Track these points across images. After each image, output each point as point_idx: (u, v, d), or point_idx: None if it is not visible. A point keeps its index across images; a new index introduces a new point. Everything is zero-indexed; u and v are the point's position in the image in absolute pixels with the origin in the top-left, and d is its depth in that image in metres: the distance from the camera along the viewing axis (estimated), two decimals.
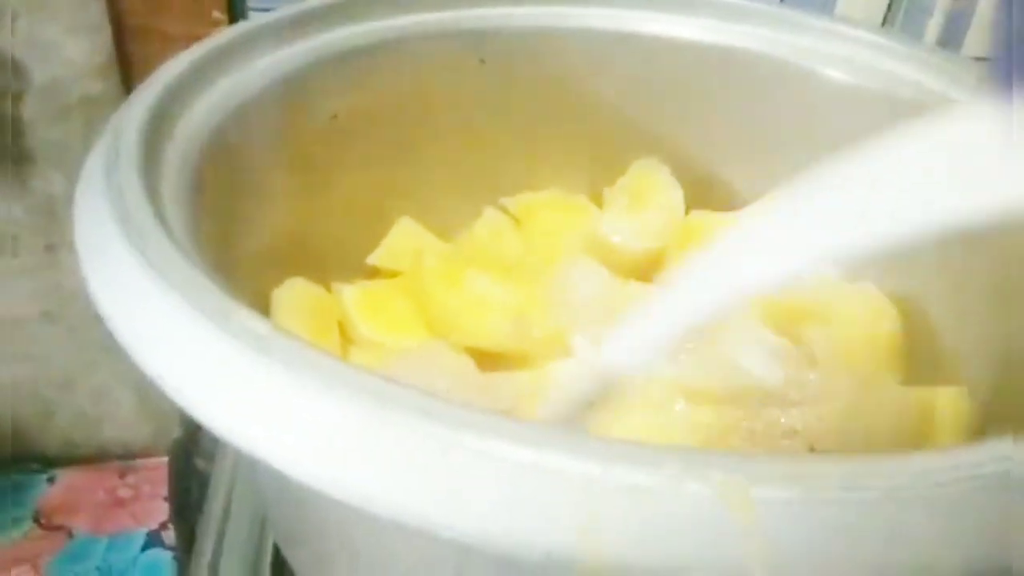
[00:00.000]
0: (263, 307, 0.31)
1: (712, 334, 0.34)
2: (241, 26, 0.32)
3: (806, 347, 0.34)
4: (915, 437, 0.31)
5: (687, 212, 0.40)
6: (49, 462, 0.65)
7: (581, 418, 0.26)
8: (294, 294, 0.32)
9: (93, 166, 0.23)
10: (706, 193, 0.41)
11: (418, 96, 0.37)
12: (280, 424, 0.16)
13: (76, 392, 0.62)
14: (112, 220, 0.20)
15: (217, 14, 0.51)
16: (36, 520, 0.61)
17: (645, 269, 0.39)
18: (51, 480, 0.65)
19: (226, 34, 0.31)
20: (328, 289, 0.34)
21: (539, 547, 0.14)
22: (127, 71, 0.52)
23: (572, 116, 0.40)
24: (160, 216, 0.21)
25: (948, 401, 0.32)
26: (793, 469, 0.15)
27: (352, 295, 0.34)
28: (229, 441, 0.16)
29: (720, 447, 0.30)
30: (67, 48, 0.49)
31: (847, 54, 0.37)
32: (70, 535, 0.60)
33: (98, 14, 0.50)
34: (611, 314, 0.36)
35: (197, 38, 0.52)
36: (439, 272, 0.35)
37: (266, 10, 0.52)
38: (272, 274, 0.32)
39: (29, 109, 0.50)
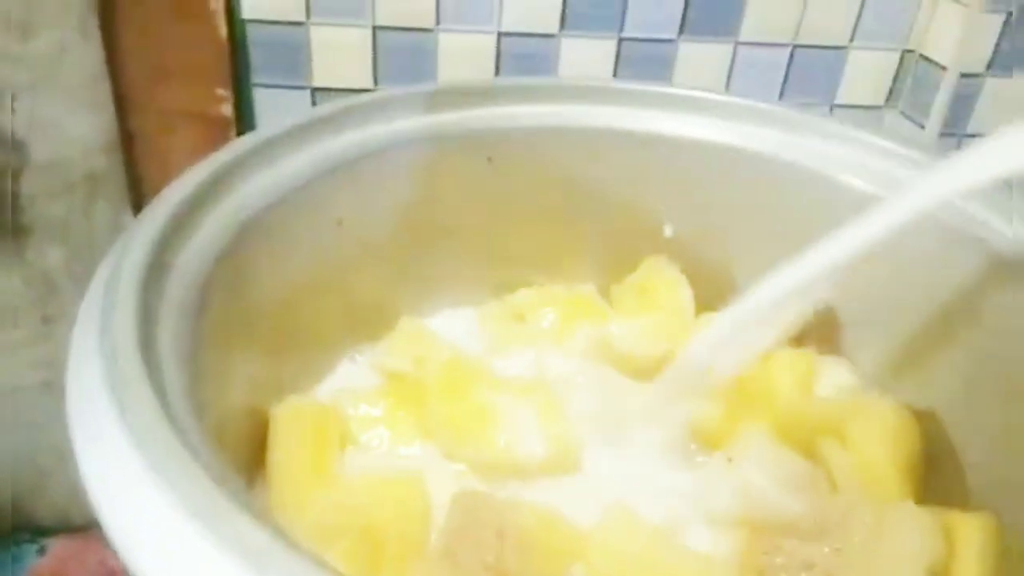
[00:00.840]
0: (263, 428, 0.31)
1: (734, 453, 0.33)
2: (246, 140, 0.31)
3: (824, 467, 0.33)
4: (937, 565, 0.30)
5: (697, 313, 0.39)
6: (42, 532, 0.64)
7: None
8: (291, 411, 0.31)
9: (88, 315, 0.22)
10: (716, 293, 0.40)
11: (424, 196, 0.37)
12: None
13: (71, 461, 0.61)
14: (105, 393, 0.19)
15: (221, 91, 0.51)
16: None
17: (653, 369, 0.38)
18: (41, 551, 0.63)
19: (231, 149, 0.30)
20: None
21: None
22: (130, 147, 0.52)
23: (580, 213, 0.40)
24: (156, 380, 0.20)
25: (972, 528, 0.31)
26: None
27: (350, 403, 0.33)
28: None
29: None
30: (69, 126, 0.49)
31: (859, 160, 0.36)
32: None
33: (103, 92, 0.49)
34: (621, 423, 0.35)
35: (201, 115, 0.52)
36: (441, 382, 0.34)
37: (270, 86, 0.53)
38: (276, 393, 0.31)
39: (28, 185, 0.50)
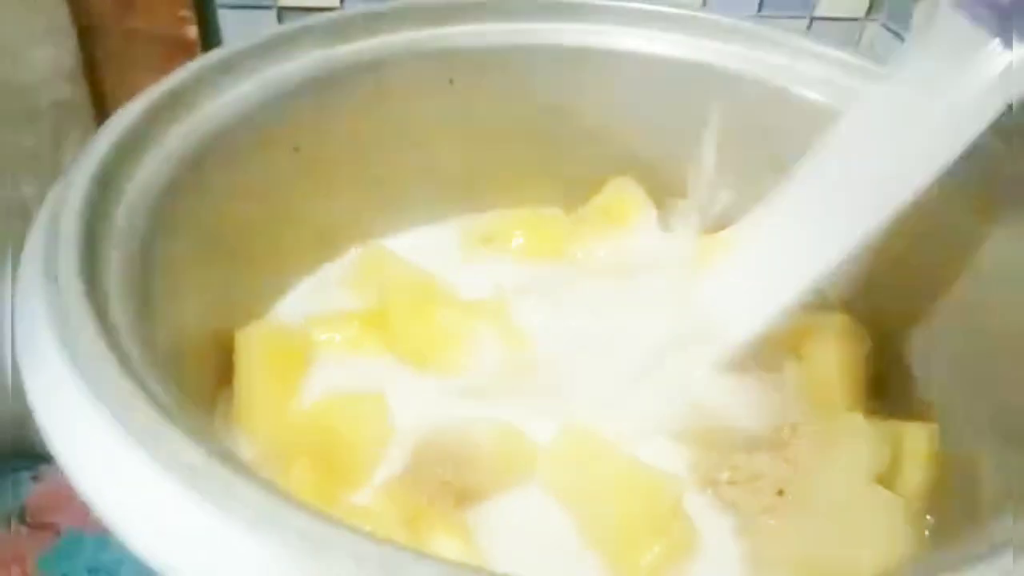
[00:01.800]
0: (227, 349, 0.31)
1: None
2: (200, 61, 0.31)
3: (780, 382, 0.34)
4: (882, 472, 0.31)
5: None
6: (36, 458, 0.65)
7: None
8: (255, 334, 0.31)
9: (34, 243, 0.22)
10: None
11: (386, 119, 0.37)
12: (204, 560, 0.15)
13: None
14: (49, 326, 0.19)
15: (185, 12, 0.50)
16: (22, 519, 0.61)
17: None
18: (36, 478, 0.65)
19: (179, 74, 0.30)
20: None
21: None
22: (96, 74, 0.51)
23: (544, 134, 0.40)
24: (98, 306, 0.20)
25: (916, 436, 0.32)
26: None
27: (315, 326, 0.34)
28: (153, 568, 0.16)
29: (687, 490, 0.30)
30: (30, 53, 0.48)
31: (823, 75, 0.36)
32: (57, 533, 0.60)
33: (62, 18, 0.48)
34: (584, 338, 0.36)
35: (166, 37, 0.51)
36: (404, 305, 0.34)
37: (235, 6, 0.52)
38: (234, 314, 0.32)
39: None
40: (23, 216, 0.53)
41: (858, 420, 0.32)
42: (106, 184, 0.24)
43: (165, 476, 0.16)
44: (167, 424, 0.17)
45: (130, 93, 0.52)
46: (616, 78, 0.38)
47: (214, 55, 0.31)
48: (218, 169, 0.29)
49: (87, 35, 0.49)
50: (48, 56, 0.48)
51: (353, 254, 0.38)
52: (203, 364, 0.29)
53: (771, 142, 0.37)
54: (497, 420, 0.30)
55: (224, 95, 0.30)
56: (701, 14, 0.38)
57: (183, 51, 0.50)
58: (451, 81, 0.37)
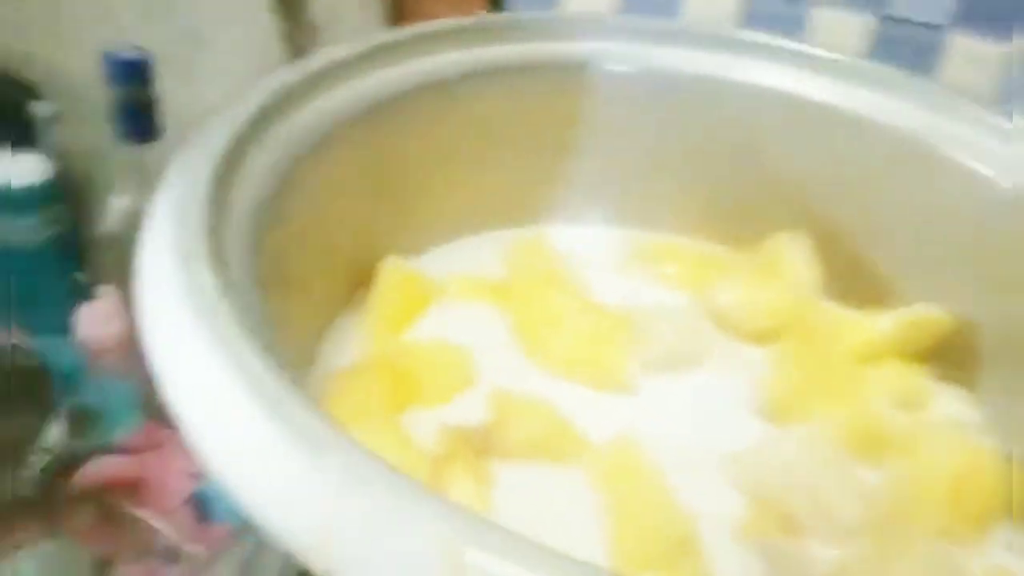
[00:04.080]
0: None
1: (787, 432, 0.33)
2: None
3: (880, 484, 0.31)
4: None
5: (822, 296, 0.38)
6: None
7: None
8: (396, 268, 0.36)
9: (165, 196, 0.25)
10: (846, 278, 0.38)
11: (574, 118, 0.39)
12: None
13: None
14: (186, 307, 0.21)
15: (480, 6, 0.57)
16: None
17: (754, 336, 0.38)
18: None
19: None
20: None
21: None
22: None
23: (726, 167, 0.40)
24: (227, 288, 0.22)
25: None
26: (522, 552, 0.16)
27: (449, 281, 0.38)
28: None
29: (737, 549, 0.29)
30: (353, 18, 0.58)
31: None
32: None
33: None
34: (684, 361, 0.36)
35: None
36: (534, 288, 0.37)
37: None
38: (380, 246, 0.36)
39: None
40: None
41: (939, 548, 0.28)
42: (237, 151, 0.27)
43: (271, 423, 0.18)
44: (281, 383, 0.19)
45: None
46: (807, 130, 0.37)
47: (415, 28, 0.35)
48: (404, 116, 0.34)
49: (397, 15, 0.58)
50: (365, 25, 0.58)
51: (510, 231, 0.41)
52: (339, 274, 0.35)
53: (965, 227, 0.34)
54: (558, 409, 0.32)
55: (429, 60, 0.35)
56: (886, 68, 0.36)
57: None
58: (642, 97, 0.39)
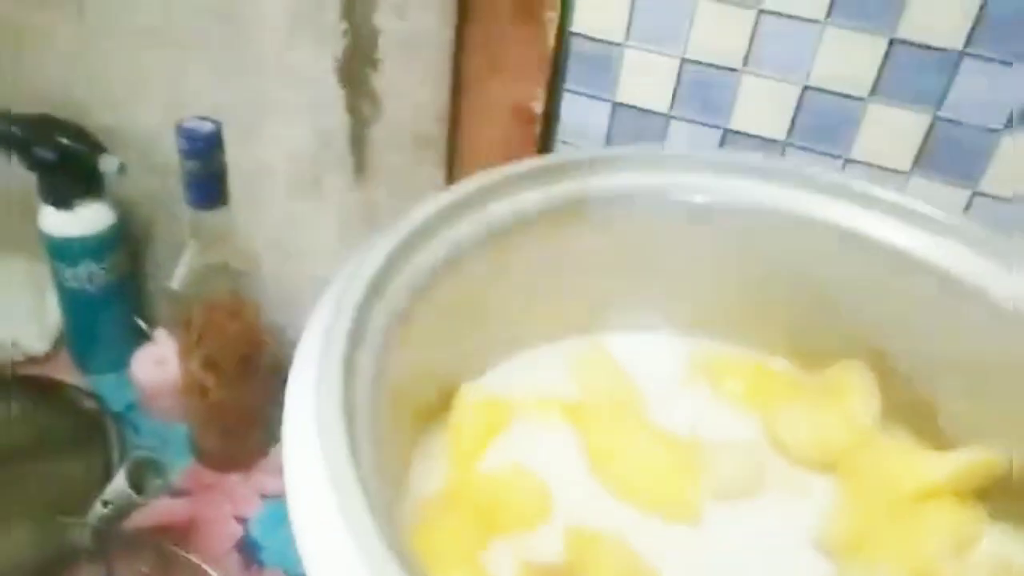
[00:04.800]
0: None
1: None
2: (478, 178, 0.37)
3: None
4: None
5: (881, 426, 0.39)
6: None
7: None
8: (473, 394, 0.38)
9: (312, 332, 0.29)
10: (905, 412, 0.39)
11: (640, 245, 0.41)
12: None
13: None
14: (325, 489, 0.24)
15: (538, 90, 0.58)
16: None
17: (816, 465, 0.39)
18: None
19: (463, 186, 0.37)
20: None
21: None
22: (456, 122, 0.61)
23: (789, 293, 0.41)
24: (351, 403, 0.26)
25: None
26: None
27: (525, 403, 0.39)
28: None
29: None
30: (416, 94, 0.59)
31: None
32: None
33: (445, 72, 0.59)
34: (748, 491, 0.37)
35: (517, 107, 0.60)
36: (604, 415, 0.39)
37: (579, 93, 0.59)
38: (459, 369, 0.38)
39: (378, 135, 0.62)
40: (372, 211, 0.66)
41: None
42: (391, 259, 0.31)
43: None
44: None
45: (476, 143, 0.62)
46: (874, 269, 0.39)
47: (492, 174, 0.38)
48: (491, 255, 0.36)
49: (457, 89, 0.59)
50: (429, 99, 0.59)
51: (578, 339, 0.42)
52: (424, 400, 0.37)
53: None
54: (631, 545, 0.34)
55: (510, 201, 0.37)
56: (974, 226, 0.37)
57: (527, 120, 0.59)
58: (711, 222, 0.40)
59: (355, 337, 0.28)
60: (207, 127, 0.53)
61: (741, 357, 0.43)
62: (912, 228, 0.38)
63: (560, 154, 0.39)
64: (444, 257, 0.34)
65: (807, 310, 0.41)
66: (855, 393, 0.39)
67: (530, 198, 0.37)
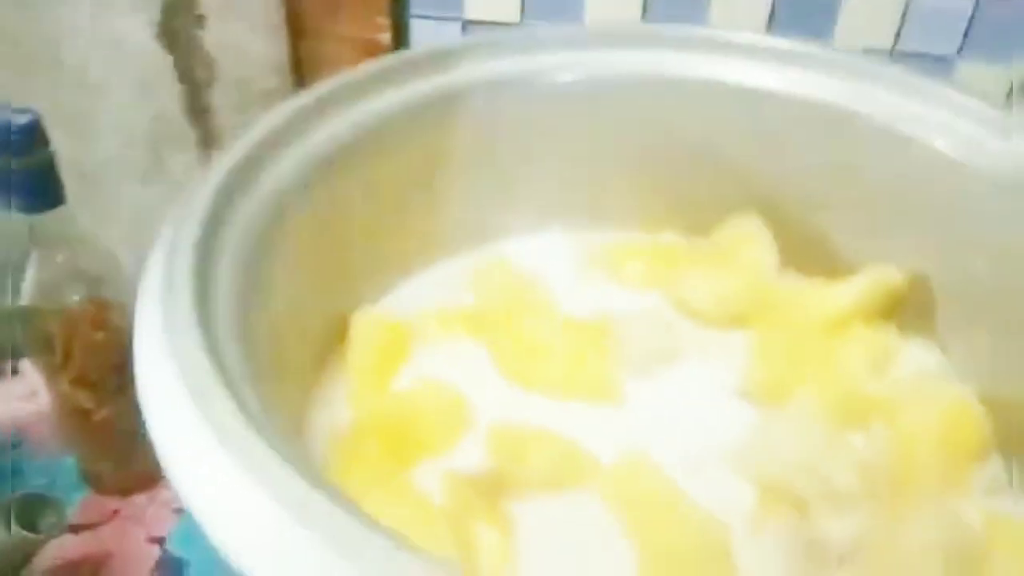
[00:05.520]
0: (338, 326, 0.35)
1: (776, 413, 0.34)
2: (344, 77, 0.34)
3: (869, 448, 0.33)
4: (953, 554, 0.29)
5: (781, 267, 0.39)
6: None
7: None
8: (367, 321, 0.35)
9: (159, 248, 0.26)
10: (803, 252, 0.39)
11: (518, 133, 0.39)
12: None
13: None
14: (162, 331, 0.22)
15: (381, 19, 0.55)
16: None
17: (725, 322, 0.38)
18: None
19: (324, 86, 0.34)
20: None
21: None
22: (299, 69, 0.58)
23: (673, 159, 0.40)
24: (213, 345, 0.23)
25: (991, 522, 0.30)
26: None
27: (421, 320, 0.37)
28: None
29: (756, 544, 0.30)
30: (250, 48, 0.55)
31: (957, 126, 0.34)
32: None
33: (278, 18, 0.55)
34: (664, 360, 0.36)
35: (362, 40, 0.57)
36: (507, 314, 0.37)
37: (425, 17, 0.56)
38: (349, 297, 0.35)
39: (218, 98, 0.58)
40: None
41: (940, 502, 0.30)
42: (239, 175, 0.28)
43: (252, 485, 0.19)
44: (255, 435, 0.20)
45: None
46: (753, 116, 0.38)
47: (345, 76, 0.35)
48: (350, 169, 0.33)
49: (295, 34, 0.56)
50: (264, 50, 0.55)
51: (470, 255, 0.40)
52: (313, 335, 0.34)
53: (903, 192, 0.36)
54: (561, 434, 0.32)
55: (363, 106, 0.34)
56: (837, 54, 0.37)
57: (376, 54, 0.56)
58: (587, 101, 0.39)
59: (201, 274, 0.25)
60: (24, 118, 0.48)
61: (634, 240, 0.42)
62: (777, 67, 0.38)
63: (414, 50, 0.37)
64: (298, 171, 0.31)
65: (692, 176, 0.41)
66: (751, 244, 0.39)
67: (391, 97, 0.34)
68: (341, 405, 0.33)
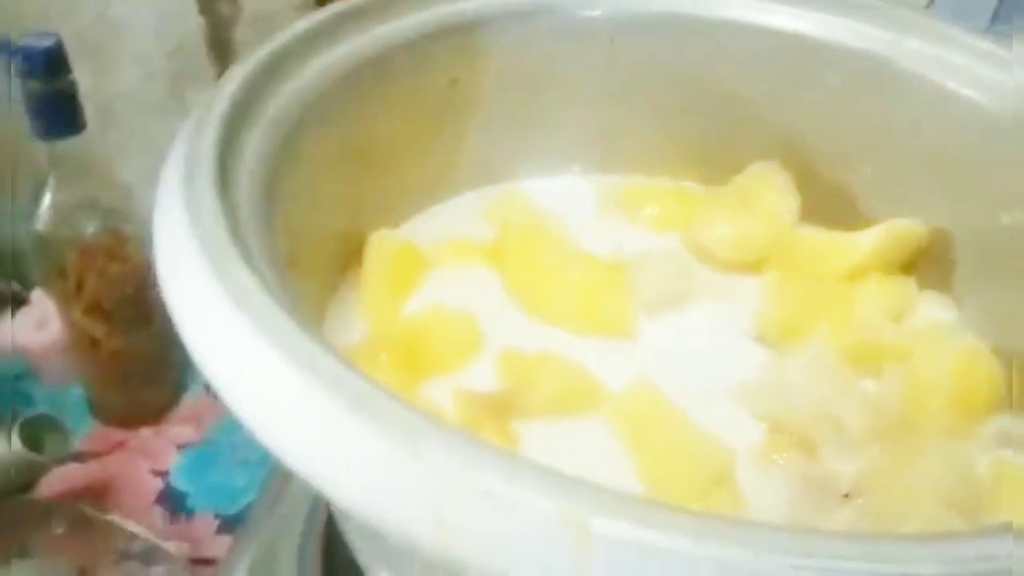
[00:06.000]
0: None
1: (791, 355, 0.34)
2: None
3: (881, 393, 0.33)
4: (957, 498, 0.29)
5: (801, 220, 0.38)
6: None
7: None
8: (385, 241, 0.35)
9: (177, 149, 0.26)
10: (824, 204, 0.39)
11: (542, 69, 0.39)
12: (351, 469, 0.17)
13: None
14: (194, 248, 0.22)
15: None
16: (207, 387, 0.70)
17: (741, 268, 0.38)
18: None
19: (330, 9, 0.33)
20: None
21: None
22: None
23: (695, 104, 0.40)
24: (236, 232, 0.23)
25: (998, 471, 0.30)
26: (642, 512, 0.16)
27: (438, 246, 0.37)
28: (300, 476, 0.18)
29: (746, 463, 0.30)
30: None
31: (996, 78, 0.33)
32: None
33: None
34: (679, 299, 0.36)
35: None
36: (524, 247, 0.36)
37: None
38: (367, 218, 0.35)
39: (241, 35, 0.58)
40: None
41: (947, 447, 0.30)
42: (257, 84, 0.28)
43: (276, 357, 0.19)
44: (278, 310, 0.20)
45: None
46: (780, 60, 0.38)
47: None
48: (374, 86, 0.33)
49: None
50: None
51: (491, 189, 0.40)
52: (329, 252, 0.34)
53: (930, 144, 0.36)
54: (571, 360, 0.32)
55: (388, 24, 0.34)
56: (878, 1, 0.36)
57: None
58: (612, 41, 0.39)
59: (223, 173, 0.25)
60: (46, 41, 0.48)
61: (655, 184, 0.42)
62: (807, 10, 0.37)
63: None
64: (320, 82, 0.30)
65: (714, 122, 0.40)
66: (772, 191, 0.38)
67: (415, 18, 0.34)
68: (354, 321, 0.34)
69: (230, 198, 0.24)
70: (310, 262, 0.31)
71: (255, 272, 0.20)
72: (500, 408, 0.30)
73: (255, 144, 0.27)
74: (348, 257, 0.35)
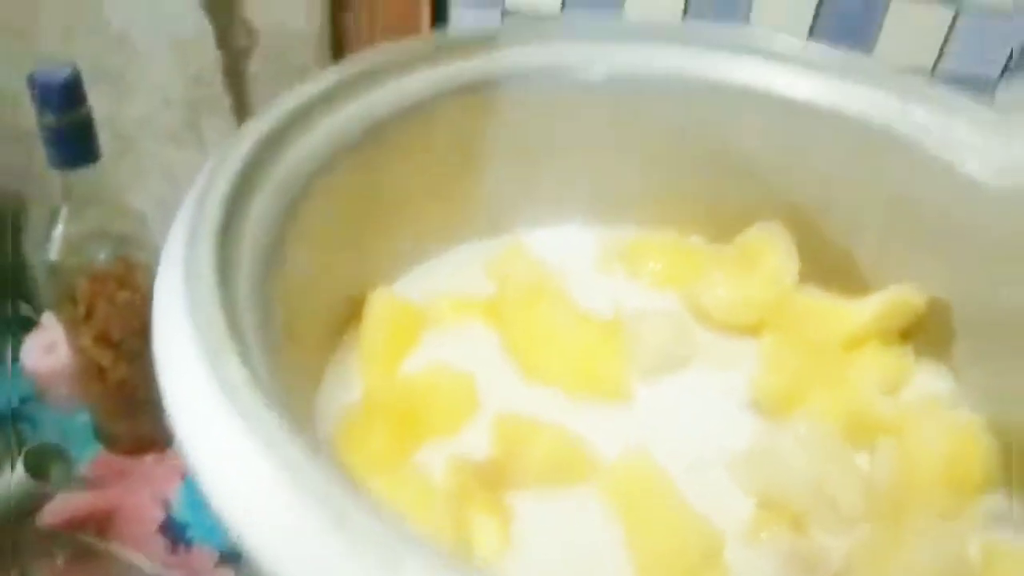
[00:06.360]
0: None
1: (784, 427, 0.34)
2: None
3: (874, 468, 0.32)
4: None
5: (801, 281, 0.38)
6: None
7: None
8: (383, 301, 0.36)
9: (181, 220, 0.26)
10: (825, 267, 0.39)
11: (546, 125, 0.39)
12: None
13: None
14: (189, 336, 0.22)
15: (422, 4, 0.55)
16: None
17: (739, 329, 0.38)
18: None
19: (355, 62, 0.34)
20: None
21: None
22: (339, 44, 0.58)
23: (700, 162, 0.40)
24: (232, 320, 0.23)
25: (990, 552, 0.29)
26: None
27: (436, 304, 0.37)
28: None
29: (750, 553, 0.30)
30: (290, 21, 0.56)
31: (998, 152, 0.33)
32: None
33: None
34: (676, 363, 0.36)
35: (404, 21, 0.57)
36: (522, 304, 0.37)
37: (467, 4, 0.56)
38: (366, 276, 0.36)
39: (255, 67, 0.58)
40: None
41: (939, 528, 0.30)
42: (268, 146, 0.29)
43: (261, 461, 0.19)
44: (267, 411, 0.20)
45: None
46: (784, 125, 0.38)
47: (381, 52, 0.35)
48: (381, 146, 0.34)
49: (338, 9, 0.56)
50: (303, 25, 0.55)
51: (489, 242, 0.40)
52: (329, 311, 0.34)
53: (937, 218, 0.36)
54: (566, 429, 0.32)
55: (400, 82, 0.34)
56: (884, 69, 0.37)
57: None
58: (615, 99, 0.39)
59: (224, 242, 0.25)
60: (63, 73, 0.48)
61: (657, 239, 0.42)
62: (814, 76, 0.37)
63: (449, 33, 0.37)
64: (327, 146, 0.31)
65: (717, 181, 0.40)
66: (773, 253, 0.38)
67: (422, 78, 0.35)
68: (352, 383, 0.34)
69: (230, 273, 0.24)
70: (309, 330, 0.31)
71: (246, 364, 0.21)
72: (492, 478, 0.30)
73: (261, 211, 0.27)
74: (348, 315, 0.35)
